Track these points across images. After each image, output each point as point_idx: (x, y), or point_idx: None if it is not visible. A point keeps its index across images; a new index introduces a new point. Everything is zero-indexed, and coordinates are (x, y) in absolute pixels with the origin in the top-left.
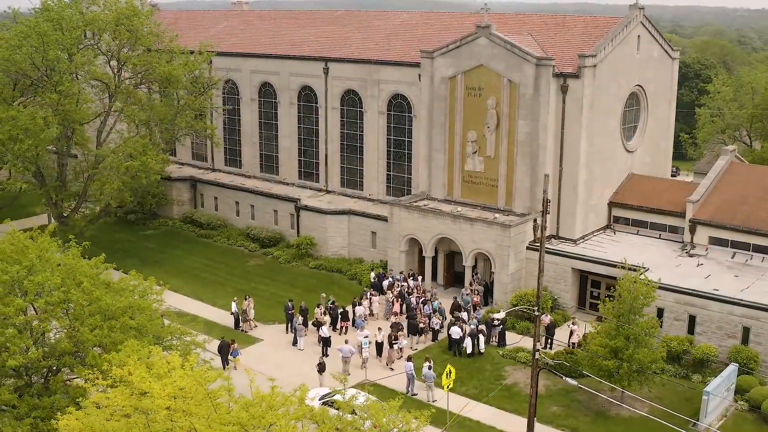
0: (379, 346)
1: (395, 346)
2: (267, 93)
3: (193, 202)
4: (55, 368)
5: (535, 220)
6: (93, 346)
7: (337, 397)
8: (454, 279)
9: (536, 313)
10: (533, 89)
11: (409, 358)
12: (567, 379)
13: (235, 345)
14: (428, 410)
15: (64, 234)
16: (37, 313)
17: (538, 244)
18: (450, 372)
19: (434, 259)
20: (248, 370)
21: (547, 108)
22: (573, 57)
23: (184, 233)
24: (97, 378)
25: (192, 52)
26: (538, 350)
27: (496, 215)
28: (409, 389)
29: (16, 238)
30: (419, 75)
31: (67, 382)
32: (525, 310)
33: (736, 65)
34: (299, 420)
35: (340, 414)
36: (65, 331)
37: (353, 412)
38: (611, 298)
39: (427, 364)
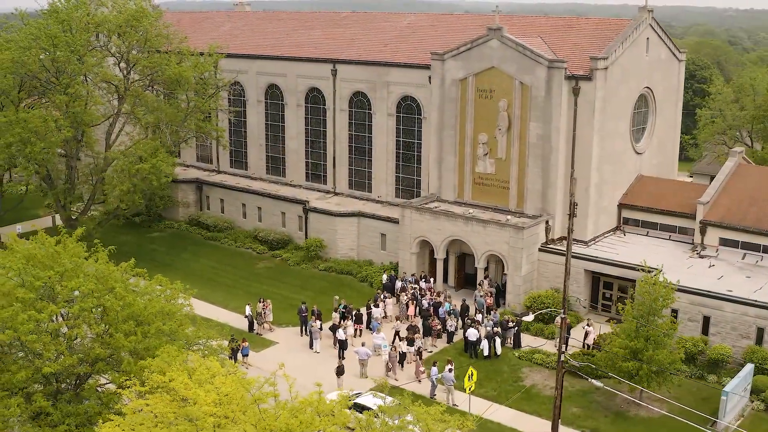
0: (402, 356)
1: (414, 348)
2: (274, 95)
3: (199, 204)
4: (85, 375)
5: (546, 222)
6: (127, 351)
7: (369, 398)
8: (465, 281)
9: (562, 315)
10: (545, 91)
11: (434, 363)
12: (593, 381)
13: (246, 344)
14: (472, 416)
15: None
16: (65, 319)
17: (550, 246)
18: (472, 374)
19: (445, 261)
20: (287, 376)
21: (559, 110)
22: (583, 59)
23: (190, 235)
24: (135, 384)
25: (201, 54)
26: (563, 352)
27: (508, 217)
28: (433, 393)
29: (46, 243)
30: (429, 77)
31: (99, 388)
32: (552, 311)
33: (729, 66)
34: (344, 425)
35: (386, 419)
36: (97, 336)
37: (377, 415)
38: (623, 300)
39: (448, 366)
